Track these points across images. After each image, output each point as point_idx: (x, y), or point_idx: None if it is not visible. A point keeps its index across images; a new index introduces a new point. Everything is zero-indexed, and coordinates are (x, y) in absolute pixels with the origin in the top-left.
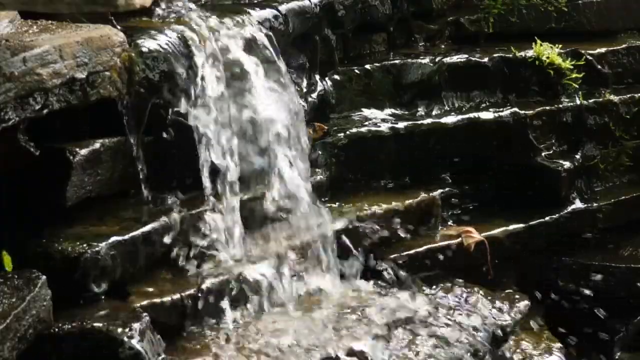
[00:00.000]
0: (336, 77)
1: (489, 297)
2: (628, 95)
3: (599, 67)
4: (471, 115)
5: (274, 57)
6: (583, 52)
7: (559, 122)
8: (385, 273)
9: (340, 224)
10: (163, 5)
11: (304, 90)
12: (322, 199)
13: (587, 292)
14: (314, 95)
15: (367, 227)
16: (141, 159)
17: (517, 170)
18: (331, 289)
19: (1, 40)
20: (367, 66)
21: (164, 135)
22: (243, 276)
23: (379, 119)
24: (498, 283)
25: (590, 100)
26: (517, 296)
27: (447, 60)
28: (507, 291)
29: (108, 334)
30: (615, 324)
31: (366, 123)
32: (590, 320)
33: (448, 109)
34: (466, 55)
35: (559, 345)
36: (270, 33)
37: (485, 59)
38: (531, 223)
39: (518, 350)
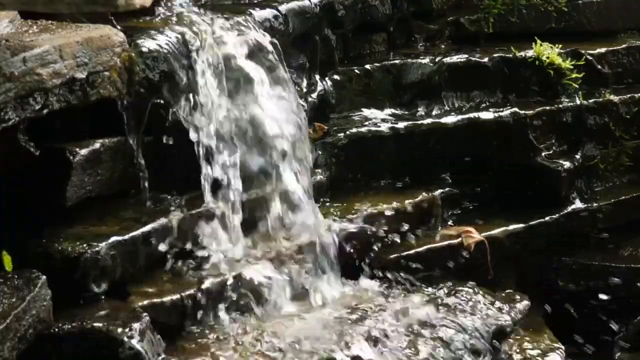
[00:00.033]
0: (336, 77)
1: (489, 297)
2: (628, 95)
3: (599, 67)
4: (471, 115)
5: (280, 68)
6: (583, 52)
7: (559, 122)
8: (385, 273)
9: (340, 224)
10: (163, 6)
11: (304, 90)
12: (322, 199)
13: (586, 292)
14: (314, 95)
15: (367, 227)
16: (141, 159)
17: (517, 170)
18: (331, 290)
19: (1, 40)
20: (367, 66)
21: (164, 135)
22: (243, 277)
23: (379, 119)
24: (498, 283)
25: (590, 100)
26: (517, 296)
27: (447, 60)
28: (507, 291)
29: (108, 334)
30: (615, 324)
31: (366, 123)
32: (590, 320)
33: (448, 109)
34: (466, 55)
35: (559, 345)
36: (275, 40)
37: (485, 59)
38: (531, 223)
39: (518, 350)
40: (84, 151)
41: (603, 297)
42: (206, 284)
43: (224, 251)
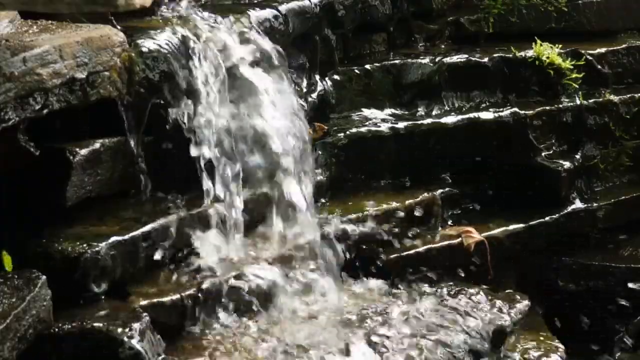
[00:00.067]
0: (336, 77)
1: (489, 297)
2: (628, 95)
3: (599, 67)
4: (471, 115)
5: (285, 79)
6: (583, 52)
7: (559, 122)
8: (385, 273)
9: (340, 225)
10: (163, 5)
11: (304, 90)
12: (322, 199)
13: (586, 292)
14: (314, 95)
15: (367, 228)
16: (141, 159)
17: (517, 170)
18: (331, 290)
19: (1, 40)
20: (367, 66)
21: (164, 135)
22: (243, 277)
23: (379, 119)
24: (498, 283)
25: (590, 100)
26: (517, 296)
27: (447, 60)
28: (507, 291)
29: (108, 334)
30: (615, 324)
31: (366, 123)
32: (590, 320)
33: (448, 109)
34: (466, 55)
35: (559, 345)
36: (280, 48)
37: (485, 59)
38: (531, 223)
39: (518, 350)
40: (84, 151)
41: (603, 297)
42: (206, 284)
43: (224, 251)
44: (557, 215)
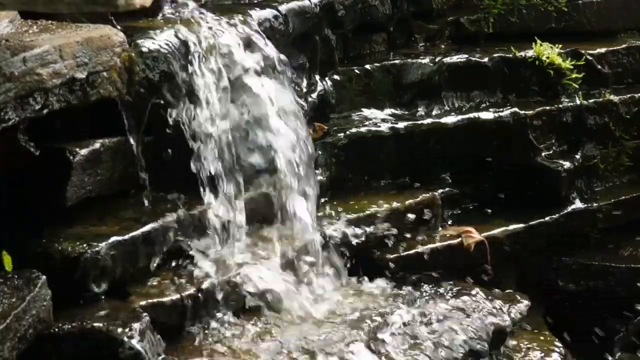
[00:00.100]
0: (336, 77)
1: (489, 297)
2: (628, 95)
3: (599, 67)
4: (471, 115)
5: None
6: (583, 52)
7: (559, 122)
8: (385, 274)
9: (340, 225)
10: (163, 5)
11: (304, 90)
12: (322, 199)
13: (586, 292)
14: (314, 95)
15: (366, 228)
16: (141, 159)
17: (517, 170)
18: (331, 290)
19: (1, 40)
20: (367, 66)
21: (164, 135)
22: (243, 277)
23: (379, 119)
24: (498, 283)
25: (590, 100)
26: (517, 296)
27: (447, 60)
28: (507, 291)
29: (108, 334)
30: (615, 324)
31: (366, 123)
32: (590, 320)
33: (448, 109)
34: (466, 55)
35: (559, 345)
36: (285, 57)
37: (485, 59)
38: (531, 223)
39: (518, 350)
40: (84, 151)
41: (603, 297)
42: (206, 284)
43: (224, 251)
44: (557, 215)
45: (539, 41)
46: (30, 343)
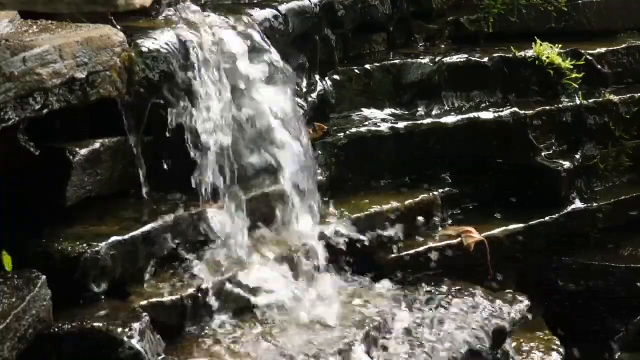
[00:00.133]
0: (336, 77)
1: (489, 297)
2: (628, 95)
3: (599, 67)
4: (471, 115)
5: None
6: (583, 52)
7: (559, 122)
8: (385, 274)
9: (340, 225)
10: (163, 6)
11: (304, 90)
12: (322, 199)
13: (586, 292)
14: (314, 95)
15: (367, 228)
16: (141, 159)
17: (517, 170)
18: (332, 290)
19: (1, 40)
20: (367, 66)
21: (164, 135)
22: (243, 277)
23: (379, 119)
24: (498, 283)
25: (590, 100)
26: (517, 296)
27: (447, 60)
28: (507, 291)
29: (108, 334)
30: (615, 324)
31: (366, 123)
32: (590, 320)
33: (448, 109)
34: (466, 55)
35: (559, 345)
36: (290, 67)
37: (485, 59)
38: (531, 223)
39: (518, 350)
40: (84, 151)
41: (603, 297)
42: (206, 284)
43: (225, 251)
44: (557, 215)
45: (539, 41)
46: (30, 343)
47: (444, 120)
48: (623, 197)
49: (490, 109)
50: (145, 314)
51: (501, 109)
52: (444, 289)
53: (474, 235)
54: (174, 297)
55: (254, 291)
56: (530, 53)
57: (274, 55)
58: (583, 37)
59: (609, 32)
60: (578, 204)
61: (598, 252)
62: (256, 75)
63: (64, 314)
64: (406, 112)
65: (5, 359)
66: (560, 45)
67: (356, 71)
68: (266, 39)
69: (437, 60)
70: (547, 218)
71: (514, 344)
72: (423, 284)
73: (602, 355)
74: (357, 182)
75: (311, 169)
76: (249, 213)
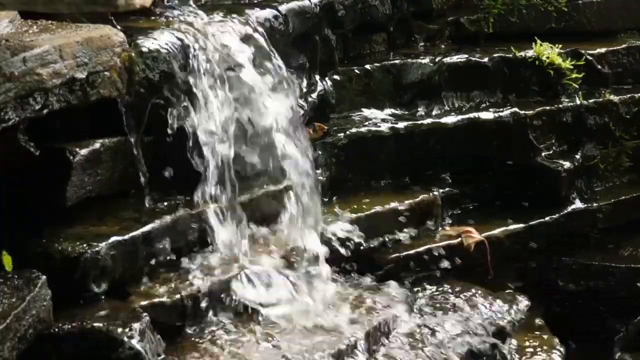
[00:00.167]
0: (336, 77)
1: (489, 297)
2: (628, 95)
3: (599, 67)
4: (471, 115)
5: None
6: (583, 52)
7: (559, 122)
8: (385, 274)
9: (340, 225)
10: (164, 6)
11: (304, 90)
12: (322, 200)
13: (586, 292)
14: (314, 95)
15: (367, 228)
16: (141, 159)
17: (517, 170)
18: (332, 291)
19: (1, 40)
20: (367, 66)
21: (164, 135)
22: (243, 277)
23: (379, 119)
24: (498, 283)
25: (590, 100)
26: (517, 296)
27: (447, 60)
28: (507, 291)
29: (108, 334)
30: (615, 324)
31: (366, 123)
32: (590, 320)
33: (448, 109)
34: (466, 55)
35: (559, 345)
36: (294, 78)
37: (485, 59)
38: (531, 223)
39: (518, 351)
40: (84, 151)
41: (603, 297)
42: (207, 284)
43: (225, 251)
44: (557, 215)
45: (539, 41)
46: (30, 343)
47: (444, 120)
48: (623, 197)
49: (490, 109)
50: (145, 314)
51: (501, 109)
52: (444, 288)
53: (474, 235)
54: (174, 297)
55: (254, 292)
56: (530, 53)
57: (278, 61)
58: (583, 37)
59: (609, 32)
60: (578, 204)
61: (598, 252)
62: (260, 84)
63: (64, 314)
64: (406, 112)
65: (5, 359)
66: (560, 45)
67: (356, 71)
68: (268, 41)
69: (437, 60)
70: (547, 218)
71: (514, 344)
72: (423, 284)
73: (602, 355)
74: (357, 182)
75: (311, 169)
76: (249, 213)
